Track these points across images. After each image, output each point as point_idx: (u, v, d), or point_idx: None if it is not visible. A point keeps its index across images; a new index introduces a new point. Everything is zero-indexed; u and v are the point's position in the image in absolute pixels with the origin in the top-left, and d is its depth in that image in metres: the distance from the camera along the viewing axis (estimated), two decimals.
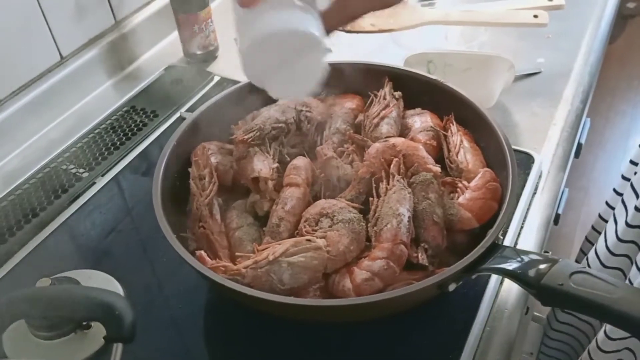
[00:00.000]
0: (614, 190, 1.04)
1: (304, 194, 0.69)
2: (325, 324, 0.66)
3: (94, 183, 0.88)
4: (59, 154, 0.93)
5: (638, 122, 2.44)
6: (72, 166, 0.91)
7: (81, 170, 0.90)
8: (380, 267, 0.61)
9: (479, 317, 0.67)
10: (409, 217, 0.64)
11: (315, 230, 0.64)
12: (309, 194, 0.71)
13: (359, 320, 0.64)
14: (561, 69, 1.05)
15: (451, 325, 0.67)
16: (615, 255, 0.91)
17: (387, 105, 0.79)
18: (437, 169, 0.69)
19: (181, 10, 1.06)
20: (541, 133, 0.92)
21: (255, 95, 0.81)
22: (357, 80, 0.84)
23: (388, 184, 0.68)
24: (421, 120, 0.79)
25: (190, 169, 0.73)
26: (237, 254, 0.66)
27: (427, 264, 0.63)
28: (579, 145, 1.05)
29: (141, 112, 1.01)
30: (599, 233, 1.05)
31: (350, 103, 0.82)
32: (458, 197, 0.69)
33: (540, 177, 0.85)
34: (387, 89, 0.81)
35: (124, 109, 1.01)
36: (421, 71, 0.84)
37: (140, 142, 0.94)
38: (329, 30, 0.58)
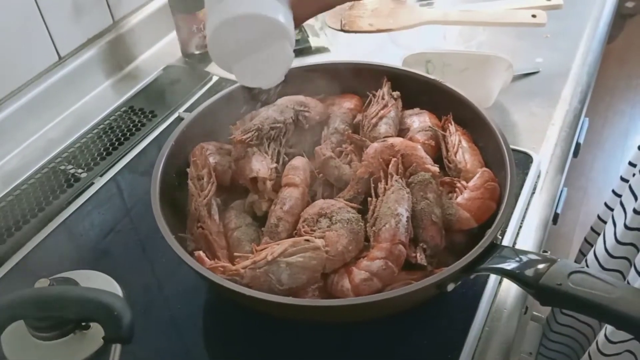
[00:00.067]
0: (613, 191, 1.04)
1: (303, 194, 0.69)
2: (324, 324, 0.66)
3: (93, 183, 0.88)
4: (57, 154, 0.93)
5: (637, 121, 2.44)
6: (70, 166, 0.91)
7: (80, 170, 0.90)
8: (378, 267, 0.61)
9: (478, 317, 0.67)
10: (407, 217, 0.64)
11: (314, 231, 0.64)
12: (307, 194, 0.71)
13: (357, 321, 0.64)
14: (559, 69, 1.05)
15: (450, 325, 0.67)
16: (614, 258, 0.91)
17: (385, 105, 0.79)
18: (436, 168, 0.69)
19: (179, 10, 1.06)
20: (540, 133, 0.93)
21: (254, 95, 0.81)
22: (355, 80, 0.84)
23: (386, 184, 0.68)
24: (419, 120, 0.79)
25: (188, 169, 0.73)
26: (235, 254, 0.66)
27: (425, 264, 0.63)
28: (578, 145, 1.05)
29: (139, 112, 1.00)
30: (598, 234, 1.05)
31: (349, 103, 0.82)
32: (456, 197, 0.69)
33: (538, 176, 0.85)
34: (385, 89, 0.81)
35: (123, 109, 1.01)
36: (419, 71, 0.84)
37: (139, 142, 0.94)
38: (302, 17, 0.58)
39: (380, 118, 0.77)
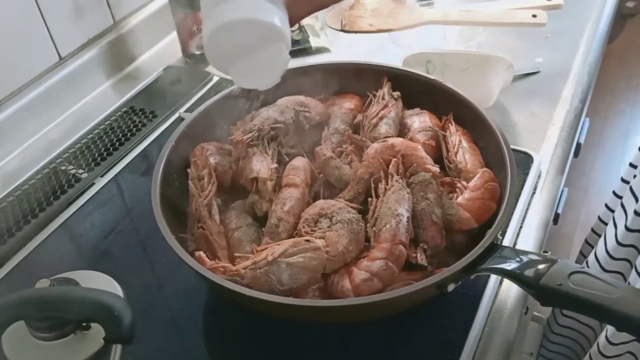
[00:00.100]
0: (614, 192, 1.04)
1: (303, 195, 0.69)
2: (325, 324, 0.66)
3: (93, 184, 0.88)
4: (58, 154, 0.93)
5: (637, 121, 2.44)
6: (71, 167, 0.91)
7: (80, 170, 0.90)
8: (379, 268, 0.61)
9: (478, 317, 0.67)
10: (407, 217, 0.64)
11: (314, 231, 0.64)
12: (307, 194, 0.71)
13: (358, 321, 0.64)
14: (560, 69, 1.05)
15: (450, 325, 0.67)
16: (615, 259, 0.91)
17: (385, 106, 0.79)
18: (436, 169, 0.69)
19: (180, 11, 1.06)
20: (540, 133, 0.92)
21: (254, 95, 0.81)
22: (355, 81, 0.84)
23: (387, 184, 0.68)
24: (420, 120, 0.79)
25: (189, 170, 0.73)
26: (236, 254, 0.66)
27: (426, 264, 0.63)
28: (578, 145, 1.05)
29: (140, 113, 1.01)
30: (599, 236, 1.04)
31: (349, 103, 0.83)
32: (457, 197, 0.69)
33: (539, 177, 0.85)
34: (385, 89, 0.81)
35: (123, 110, 1.01)
36: (420, 71, 0.84)
37: (140, 143, 0.94)
38: (297, 17, 0.58)
39: (381, 118, 0.77)
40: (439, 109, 0.80)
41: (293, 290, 0.61)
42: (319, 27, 1.18)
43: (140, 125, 0.98)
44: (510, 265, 0.58)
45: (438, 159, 0.75)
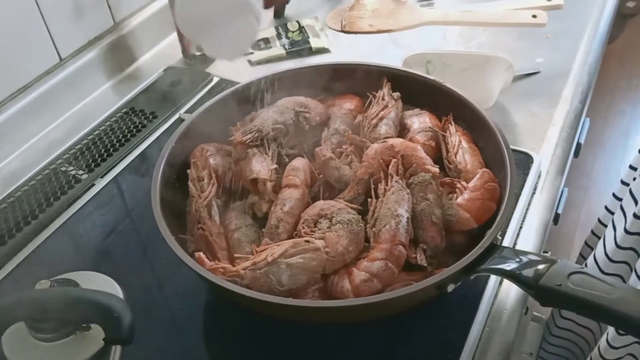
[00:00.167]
0: (613, 194, 1.04)
1: (303, 195, 0.69)
2: (324, 324, 0.66)
3: (94, 185, 0.88)
4: (58, 155, 0.93)
5: (638, 121, 2.43)
6: (71, 168, 0.91)
7: (80, 171, 0.90)
8: (378, 268, 0.61)
9: (478, 318, 0.67)
10: (407, 217, 0.64)
11: (314, 232, 0.65)
12: (307, 195, 0.71)
13: (357, 321, 0.64)
14: (560, 69, 1.05)
15: (450, 325, 0.67)
16: (614, 262, 0.91)
17: (385, 106, 0.79)
18: (436, 169, 0.69)
19: None
20: (540, 133, 0.92)
21: (254, 96, 0.81)
22: (355, 81, 0.84)
23: (387, 185, 0.68)
24: (420, 121, 0.79)
25: (189, 171, 0.73)
26: (235, 255, 0.66)
27: (425, 265, 0.63)
28: (578, 145, 1.05)
29: (140, 114, 1.01)
30: (599, 238, 1.04)
31: (349, 104, 0.83)
32: (457, 198, 0.69)
33: (539, 177, 0.85)
34: (385, 89, 0.82)
35: (123, 111, 1.01)
36: (420, 72, 0.84)
37: (140, 144, 0.94)
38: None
39: (381, 119, 0.77)
40: (438, 109, 0.80)
41: (293, 291, 0.61)
42: (319, 28, 1.18)
43: (140, 126, 0.98)
44: (509, 266, 0.58)
45: (438, 159, 0.75)
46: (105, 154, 0.93)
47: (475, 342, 0.65)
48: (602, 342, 0.86)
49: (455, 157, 0.73)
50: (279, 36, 1.16)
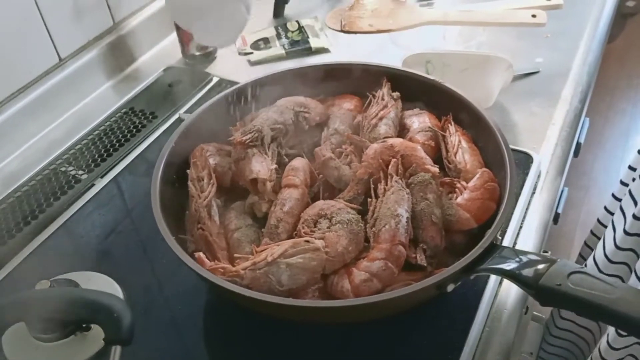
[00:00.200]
0: (613, 195, 1.04)
1: (303, 195, 0.69)
2: (324, 324, 0.66)
3: (94, 185, 0.88)
4: (58, 155, 0.93)
5: (638, 120, 2.43)
6: (71, 168, 0.91)
7: (80, 172, 0.90)
8: (378, 268, 0.61)
9: (478, 318, 0.67)
10: (407, 217, 0.64)
11: (314, 232, 0.65)
12: (307, 195, 0.71)
13: (357, 321, 0.64)
14: (560, 69, 1.05)
15: (450, 325, 0.67)
16: (614, 263, 0.91)
17: (385, 106, 0.79)
18: (436, 169, 0.69)
19: None
20: (540, 133, 0.92)
21: (254, 96, 0.82)
22: (355, 81, 0.84)
23: (386, 185, 0.68)
24: (419, 121, 0.79)
25: (188, 171, 0.73)
26: (235, 255, 0.66)
27: (425, 265, 0.63)
28: (578, 144, 1.05)
29: (140, 114, 1.01)
30: (598, 238, 1.04)
31: (349, 104, 0.83)
32: (456, 198, 0.69)
33: (539, 176, 0.85)
34: (385, 89, 0.81)
35: (123, 111, 1.01)
36: (419, 71, 0.84)
37: (140, 144, 0.94)
38: None
39: (380, 119, 0.77)
40: (438, 109, 0.80)
41: (293, 291, 0.61)
42: (319, 28, 1.18)
43: (140, 126, 0.98)
44: (509, 266, 0.58)
45: (437, 159, 0.75)
46: (105, 154, 0.93)
47: (475, 342, 0.65)
48: (603, 343, 0.86)
49: (455, 157, 0.73)
50: (278, 36, 1.16)
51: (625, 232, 0.87)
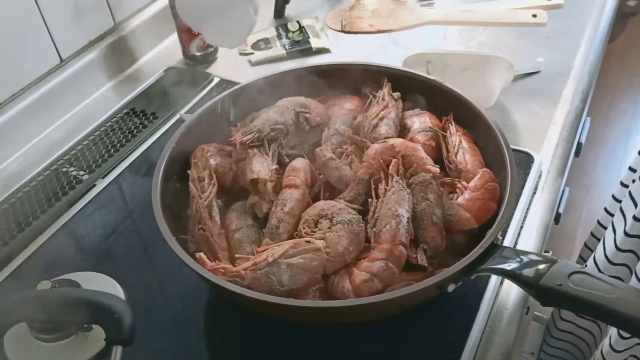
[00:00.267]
0: (613, 196, 1.04)
1: (303, 195, 0.69)
2: (325, 325, 0.66)
3: (94, 185, 0.88)
4: (59, 156, 0.93)
5: (639, 120, 2.43)
6: (72, 168, 0.91)
7: (81, 172, 0.90)
8: (379, 268, 0.61)
9: (479, 318, 0.67)
10: (408, 217, 0.64)
11: (315, 232, 0.65)
12: (308, 195, 0.71)
13: (358, 321, 0.64)
14: (560, 68, 1.05)
15: (451, 325, 0.67)
16: (614, 265, 0.91)
17: (386, 106, 0.79)
18: (436, 169, 0.69)
19: None
20: (541, 133, 0.92)
21: (254, 97, 0.82)
22: (356, 81, 0.84)
23: (387, 185, 0.68)
24: (420, 121, 0.79)
25: (189, 171, 0.73)
26: (236, 255, 0.66)
27: (426, 265, 0.63)
28: (579, 144, 1.05)
29: (141, 114, 1.01)
30: (598, 240, 1.04)
31: (349, 104, 0.83)
32: (457, 198, 0.69)
33: (540, 176, 0.85)
34: (386, 89, 0.82)
35: (124, 111, 1.01)
36: (420, 71, 0.84)
37: (141, 144, 0.94)
38: None
39: (381, 119, 0.77)
40: (439, 109, 0.80)
41: (293, 291, 0.61)
42: (320, 28, 1.18)
43: (141, 126, 0.98)
44: (510, 266, 0.58)
45: (438, 159, 0.75)
46: (106, 155, 0.93)
47: (476, 342, 0.65)
48: (605, 345, 0.86)
49: (456, 157, 0.73)
50: (279, 36, 1.17)
51: (625, 233, 0.87)
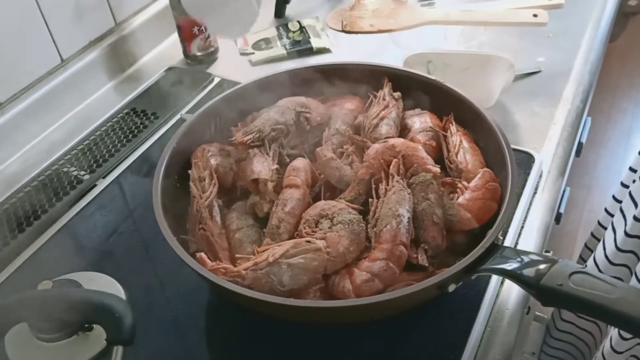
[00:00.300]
0: (613, 197, 1.04)
1: (304, 195, 0.69)
2: (326, 324, 0.66)
3: (95, 185, 0.88)
4: (60, 156, 0.93)
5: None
6: (73, 168, 0.91)
7: (82, 172, 0.90)
8: (380, 268, 0.61)
9: (480, 318, 0.67)
10: (408, 217, 0.64)
11: (315, 232, 0.65)
12: (308, 195, 0.71)
13: (359, 321, 0.64)
14: (561, 68, 1.05)
15: (452, 325, 0.67)
16: (614, 265, 0.91)
17: (386, 106, 0.79)
18: (437, 169, 0.69)
19: (181, 12, 1.06)
20: (541, 132, 0.92)
21: (255, 96, 0.82)
22: (356, 81, 0.84)
23: (387, 185, 0.68)
24: (420, 121, 0.79)
25: (190, 171, 0.73)
26: (237, 255, 0.66)
27: (427, 265, 0.63)
28: (580, 144, 1.05)
29: (142, 114, 1.01)
30: (598, 240, 1.04)
31: (350, 104, 0.83)
32: (458, 198, 0.69)
33: (540, 176, 0.85)
34: (386, 89, 0.82)
35: (125, 111, 1.02)
36: (420, 71, 0.84)
37: (141, 144, 0.94)
38: None
39: (382, 119, 0.77)
40: (439, 109, 0.80)
41: (294, 291, 0.61)
42: (320, 28, 1.18)
43: (141, 126, 0.98)
44: (511, 266, 0.58)
45: (439, 159, 0.75)
46: (107, 155, 0.93)
47: (477, 342, 0.65)
48: (606, 346, 0.86)
49: (456, 157, 0.73)
50: (279, 36, 1.17)
51: (626, 233, 0.87)
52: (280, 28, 1.18)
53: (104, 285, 0.71)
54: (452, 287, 0.60)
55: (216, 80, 1.07)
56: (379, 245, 0.63)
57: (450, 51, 0.98)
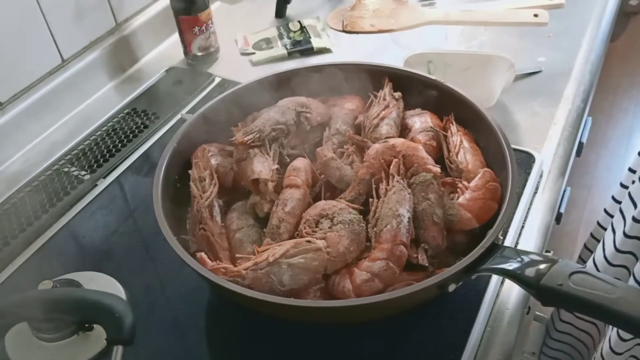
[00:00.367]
0: (613, 198, 1.04)
1: (304, 195, 0.69)
2: (326, 324, 0.66)
3: (96, 185, 0.88)
4: (60, 156, 0.93)
5: None
6: (73, 169, 0.91)
7: (83, 172, 0.90)
8: (380, 268, 0.61)
9: (480, 317, 0.67)
10: (408, 217, 0.64)
11: (315, 232, 0.65)
12: (309, 195, 0.71)
13: (359, 321, 0.64)
14: (562, 68, 1.04)
15: (452, 325, 0.67)
16: (613, 266, 0.91)
17: (387, 106, 0.79)
18: (437, 169, 0.69)
19: (181, 12, 1.06)
20: (542, 132, 0.92)
21: (255, 96, 0.82)
22: (357, 81, 0.84)
23: (388, 185, 0.68)
24: (421, 121, 0.79)
25: (190, 171, 0.73)
26: (237, 255, 0.66)
27: (427, 265, 0.63)
28: (580, 144, 1.05)
29: (142, 114, 1.01)
30: (598, 241, 1.04)
31: (350, 104, 0.83)
32: (458, 198, 0.69)
33: (541, 176, 0.85)
34: (387, 89, 0.82)
35: (125, 111, 1.02)
36: (421, 71, 0.84)
37: (142, 144, 0.94)
38: None
39: (382, 119, 0.78)
40: (440, 109, 0.80)
41: (294, 291, 0.61)
42: (321, 28, 1.18)
43: (142, 126, 0.98)
44: (511, 265, 0.58)
45: (439, 159, 0.75)
46: (107, 155, 0.93)
47: (477, 342, 0.65)
48: (605, 347, 0.86)
49: (457, 157, 0.73)
50: (280, 36, 1.17)
51: (625, 234, 0.87)
52: (281, 28, 1.18)
53: (104, 285, 0.72)
54: (452, 287, 0.60)
55: (217, 80, 1.07)
56: (379, 245, 0.63)
57: (450, 51, 0.98)
